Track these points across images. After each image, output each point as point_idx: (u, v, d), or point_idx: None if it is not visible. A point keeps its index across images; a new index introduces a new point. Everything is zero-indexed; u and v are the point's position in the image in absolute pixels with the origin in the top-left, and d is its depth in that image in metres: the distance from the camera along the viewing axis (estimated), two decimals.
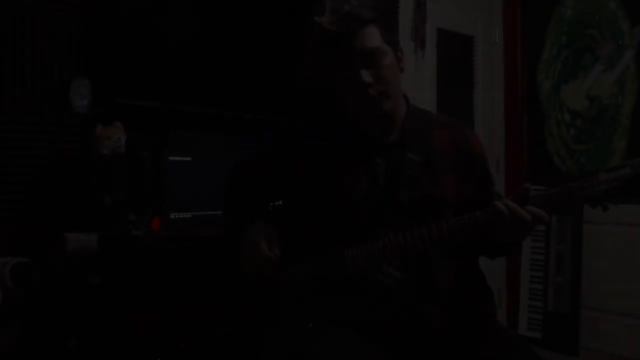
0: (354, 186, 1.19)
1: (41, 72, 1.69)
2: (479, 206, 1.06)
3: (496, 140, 3.24)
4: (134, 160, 1.40)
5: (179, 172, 1.75)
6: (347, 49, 1.14)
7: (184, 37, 1.82)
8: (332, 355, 1.06)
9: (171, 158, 1.74)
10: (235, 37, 1.94)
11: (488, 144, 1.31)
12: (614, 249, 2.80)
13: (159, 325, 1.84)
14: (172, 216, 1.72)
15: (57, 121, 1.61)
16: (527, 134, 3.26)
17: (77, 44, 1.75)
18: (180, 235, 1.62)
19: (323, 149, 1.26)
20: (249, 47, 1.97)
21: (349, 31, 1.13)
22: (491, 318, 1.22)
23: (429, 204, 1.15)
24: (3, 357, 1.44)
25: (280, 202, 1.34)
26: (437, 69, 2.87)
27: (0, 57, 1.62)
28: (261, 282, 1.23)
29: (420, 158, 1.17)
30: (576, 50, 3.00)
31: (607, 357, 2.82)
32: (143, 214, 1.52)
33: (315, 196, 1.26)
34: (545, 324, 2.97)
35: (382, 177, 1.18)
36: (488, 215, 1.04)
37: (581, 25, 2.97)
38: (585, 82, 2.97)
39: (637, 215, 2.58)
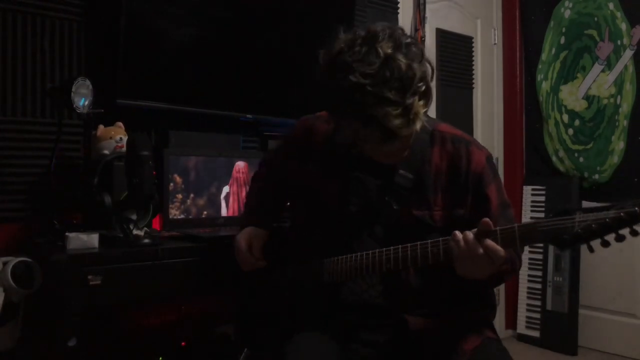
0: (346, 200, 1.19)
1: (42, 73, 1.69)
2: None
3: (495, 141, 3.26)
4: (134, 160, 1.39)
5: (179, 171, 1.75)
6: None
7: (184, 38, 1.82)
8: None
9: (172, 157, 1.74)
10: (237, 37, 1.94)
11: (487, 144, 1.25)
12: (613, 248, 2.81)
13: (159, 325, 1.84)
14: (172, 216, 1.73)
15: (58, 121, 1.61)
16: (526, 134, 3.27)
17: (78, 45, 1.75)
18: (180, 235, 1.62)
19: (321, 158, 1.25)
20: (251, 48, 1.97)
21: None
22: (474, 324, 1.17)
23: (413, 223, 1.14)
24: (3, 357, 1.44)
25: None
26: (437, 69, 2.87)
27: (1, 57, 1.62)
28: (252, 280, 1.33)
29: (412, 176, 1.14)
30: (575, 50, 3.01)
31: (605, 356, 2.83)
32: (143, 214, 1.52)
33: (308, 204, 1.28)
34: (544, 323, 2.98)
35: (374, 193, 1.18)
36: (447, 243, 1.00)
37: (580, 26, 2.98)
38: (583, 82, 2.98)
39: None
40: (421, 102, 1.01)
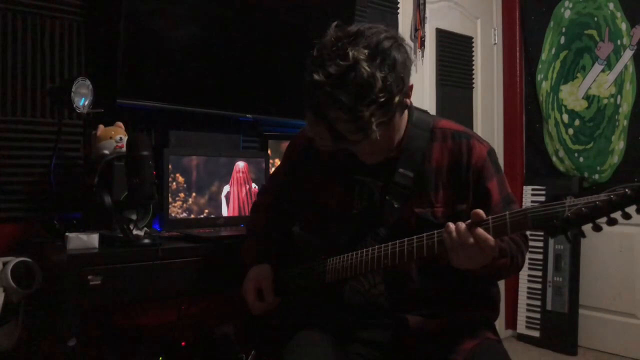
0: (349, 203, 1.19)
1: (42, 73, 1.69)
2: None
3: (495, 141, 3.26)
4: (134, 160, 1.39)
5: (179, 171, 1.75)
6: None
7: (184, 38, 1.82)
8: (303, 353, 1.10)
9: (172, 157, 1.74)
10: (237, 37, 1.94)
11: None
12: (612, 249, 2.81)
13: (159, 325, 1.84)
14: (174, 215, 1.73)
15: (58, 121, 1.61)
16: (526, 134, 3.27)
17: (78, 45, 1.74)
18: (180, 235, 1.62)
19: (323, 164, 1.25)
20: (251, 48, 1.97)
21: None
22: (474, 325, 1.17)
23: (415, 221, 1.14)
24: (3, 357, 1.44)
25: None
26: (437, 69, 2.88)
27: (1, 57, 1.62)
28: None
29: (412, 174, 1.14)
30: (575, 50, 3.01)
31: (605, 356, 2.83)
32: (143, 214, 1.52)
33: (312, 209, 1.28)
34: (544, 323, 2.98)
35: (376, 194, 1.18)
36: (441, 235, 1.01)
37: (580, 26, 2.98)
38: (583, 82, 2.98)
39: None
40: (378, 112, 1.01)
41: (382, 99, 1.00)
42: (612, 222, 0.88)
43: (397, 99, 1.03)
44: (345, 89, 0.99)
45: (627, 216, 0.88)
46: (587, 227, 0.90)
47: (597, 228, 0.90)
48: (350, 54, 0.99)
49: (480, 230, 0.96)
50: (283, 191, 1.38)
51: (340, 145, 1.07)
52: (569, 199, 0.90)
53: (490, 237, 0.96)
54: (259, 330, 1.37)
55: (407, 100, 1.10)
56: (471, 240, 0.96)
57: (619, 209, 0.87)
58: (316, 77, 1.00)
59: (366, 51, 1.00)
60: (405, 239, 1.06)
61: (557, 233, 0.91)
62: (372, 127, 1.01)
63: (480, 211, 0.97)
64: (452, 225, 0.99)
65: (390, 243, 1.08)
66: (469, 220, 0.98)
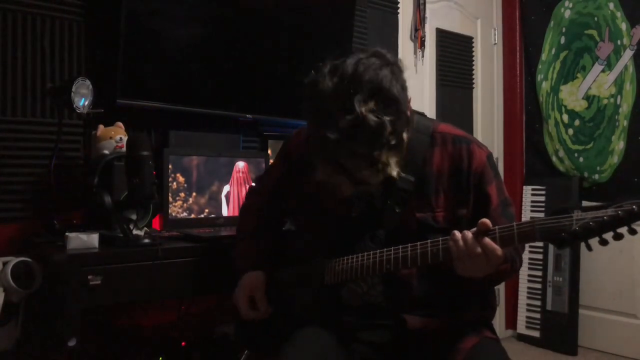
0: (349, 205, 1.19)
1: (42, 73, 1.69)
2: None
3: (495, 141, 3.26)
4: (134, 160, 1.39)
5: (179, 171, 1.75)
6: None
7: (184, 38, 1.82)
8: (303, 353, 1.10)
9: (173, 157, 1.74)
10: (237, 37, 1.94)
11: (487, 144, 1.25)
12: (613, 249, 2.81)
13: (159, 325, 1.84)
14: (174, 215, 1.73)
15: (58, 121, 1.61)
16: (526, 134, 3.27)
17: (78, 45, 1.74)
18: (180, 235, 1.62)
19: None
20: (251, 48, 1.97)
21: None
22: (472, 324, 1.17)
23: (415, 226, 1.14)
24: (3, 357, 1.44)
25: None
26: (436, 69, 2.88)
27: (1, 57, 1.62)
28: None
29: (413, 178, 1.15)
30: (575, 50, 3.01)
31: (605, 356, 2.83)
32: (143, 214, 1.52)
33: (310, 210, 1.28)
34: (544, 323, 2.98)
35: (376, 197, 1.18)
36: (446, 243, 1.01)
37: (580, 26, 2.98)
38: (584, 82, 2.98)
39: None
40: (392, 153, 1.03)
41: (394, 141, 1.02)
42: (618, 236, 0.89)
43: (405, 135, 1.06)
44: (358, 141, 1.00)
45: (632, 232, 0.89)
46: (592, 241, 0.92)
47: (604, 242, 0.91)
48: (357, 108, 0.99)
49: (488, 240, 0.97)
50: (278, 191, 1.37)
51: (360, 189, 1.09)
52: (576, 213, 0.90)
53: (498, 247, 0.96)
54: (253, 332, 1.36)
55: (408, 112, 1.09)
56: (479, 250, 0.97)
57: (625, 225, 0.88)
58: (330, 135, 1.00)
59: (371, 102, 1.00)
60: (409, 244, 1.06)
61: (564, 245, 0.92)
62: (391, 166, 1.04)
63: (487, 221, 0.98)
64: (458, 234, 0.99)
65: (393, 248, 1.08)
66: (475, 229, 0.98)
